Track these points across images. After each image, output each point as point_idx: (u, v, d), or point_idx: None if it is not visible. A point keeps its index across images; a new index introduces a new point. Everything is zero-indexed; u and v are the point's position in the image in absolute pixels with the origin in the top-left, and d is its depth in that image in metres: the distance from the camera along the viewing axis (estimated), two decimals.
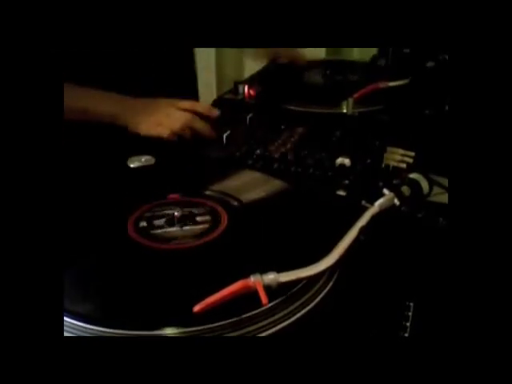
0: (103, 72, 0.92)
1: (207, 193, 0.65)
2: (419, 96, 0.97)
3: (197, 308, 0.43)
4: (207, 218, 0.59)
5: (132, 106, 0.87)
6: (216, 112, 0.89)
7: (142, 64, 0.98)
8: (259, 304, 0.44)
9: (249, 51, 1.36)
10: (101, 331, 0.43)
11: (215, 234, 0.56)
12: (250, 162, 0.78)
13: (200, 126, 0.86)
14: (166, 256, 0.53)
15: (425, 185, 0.62)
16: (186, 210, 0.60)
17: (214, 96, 1.13)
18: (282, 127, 0.89)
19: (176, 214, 0.58)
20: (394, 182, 0.63)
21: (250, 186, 0.68)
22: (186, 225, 0.58)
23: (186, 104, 0.88)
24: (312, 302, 0.48)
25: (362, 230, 0.53)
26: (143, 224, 0.58)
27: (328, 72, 1.12)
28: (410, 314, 0.49)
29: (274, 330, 0.45)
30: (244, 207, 0.62)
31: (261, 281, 0.44)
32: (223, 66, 1.65)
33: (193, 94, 1.17)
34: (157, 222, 0.58)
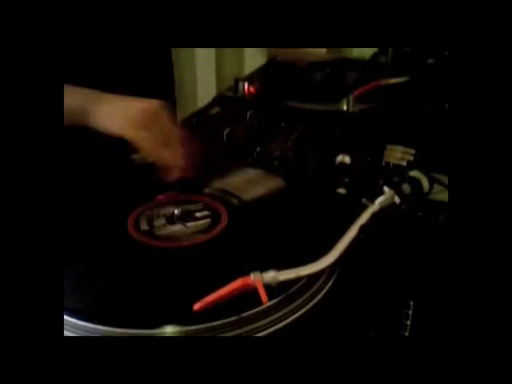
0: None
1: (207, 190, 0.65)
2: (419, 93, 0.97)
3: (197, 306, 0.43)
4: (207, 216, 0.59)
5: (99, 95, 0.71)
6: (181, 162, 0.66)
7: (117, 62, 0.92)
8: (259, 302, 0.44)
9: None
10: (100, 329, 0.43)
11: (215, 232, 0.56)
12: (250, 159, 0.77)
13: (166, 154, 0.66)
14: (166, 254, 0.53)
15: (425, 182, 0.62)
16: (186, 208, 0.60)
17: (214, 93, 1.13)
18: (282, 125, 0.89)
19: (176, 212, 0.58)
20: (395, 179, 0.63)
21: (250, 183, 0.68)
22: (185, 223, 0.58)
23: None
24: (312, 300, 0.48)
25: (363, 228, 0.53)
26: (143, 222, 0.58)
27: (328, 69, 1.12)
28: (411, 312, 0.49)
29: (274, 328, 0.45)
30: (244, 205, 0.62)
31: (261, 279, 0.44)
32: (223, 63, 1.64)
33: (169, 95, 1.10)
34: (157, 221, 0.58)
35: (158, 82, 1.03)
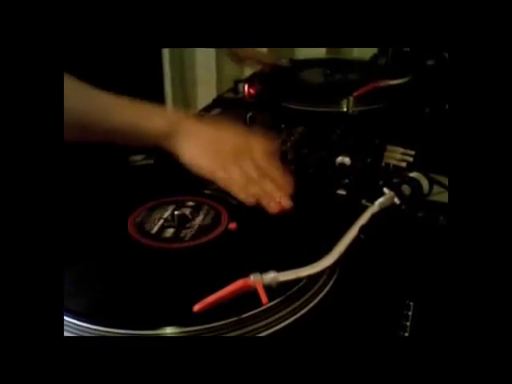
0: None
1: (207, 191, 0.65)
2: (419, 94, 0.97)
3: (197, 307, 0.43)
4: (207, 217, 0.59)
5: (186, 123, 0.68)
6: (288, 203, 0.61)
7: (107, 61, 0.89)
8: (259, 303, 0.44)
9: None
10: (100, 330, 0.43)
11: (215, 234, 0.56)
12: None
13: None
14: (166, 255, 0.53)
15: (425, 184, 0.62)
16: (186, 208, 0.60)
17: (214, 94, 1.13)
18: (282, 126, 0.89)
19: (176, 212, 0.58)
20: (394, 180, 0.63)
21: None
22: (186, 223, 0.58)
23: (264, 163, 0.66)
24: (312, 301, 0.48)
25: (362, 229, 0.53)
26: (143, 222, 0.58)
27: (328, 71, 1.12)
28: (410, 313, 0.49)
29: (274, 329, 0.45)
30: (244, 206, 0.62)
31: (261, 280, 0.44)
32: (223, 64, 1.65)
33: (158, 94, 1.11)
34: (157, 221, 0.58)
35: (147, 82, 1.03)
